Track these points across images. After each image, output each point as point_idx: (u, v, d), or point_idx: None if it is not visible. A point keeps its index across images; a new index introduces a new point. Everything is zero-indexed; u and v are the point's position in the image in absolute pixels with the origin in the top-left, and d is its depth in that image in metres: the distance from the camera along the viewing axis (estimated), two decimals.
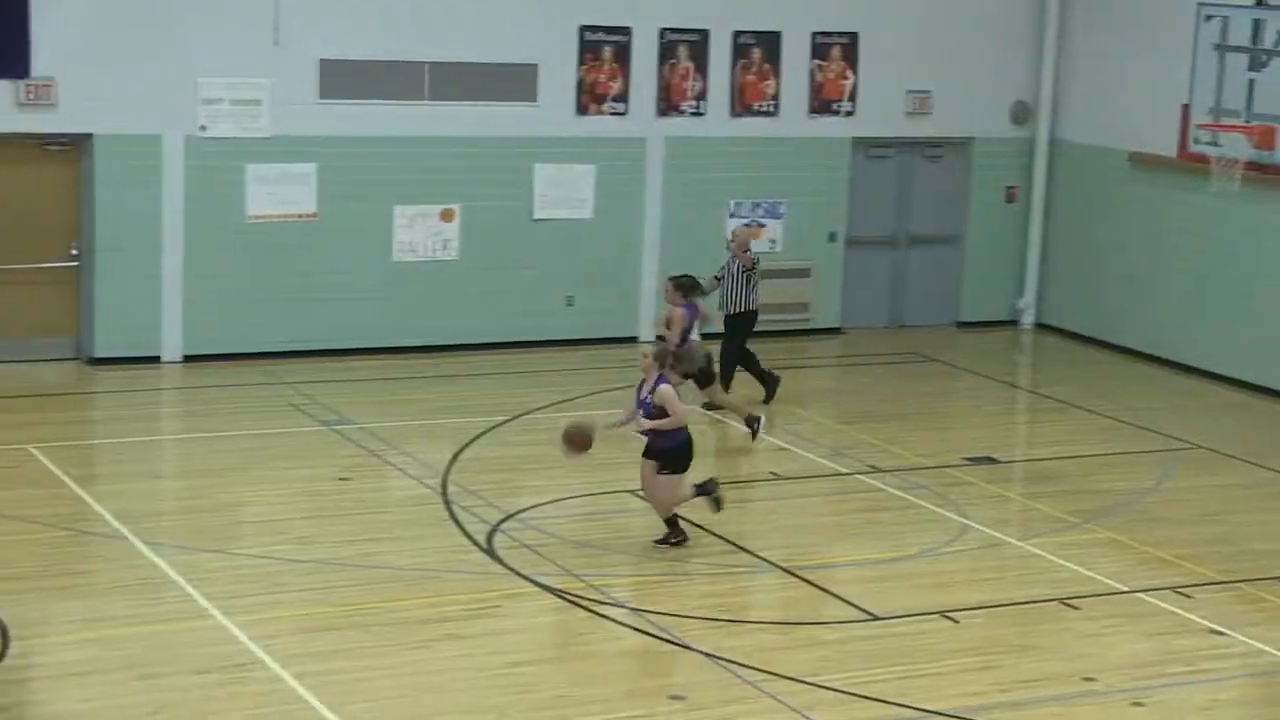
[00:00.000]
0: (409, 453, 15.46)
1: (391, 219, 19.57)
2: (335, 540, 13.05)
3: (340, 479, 14.74)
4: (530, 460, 15.70)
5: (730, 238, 18.51)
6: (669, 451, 12.92)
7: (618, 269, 20.44)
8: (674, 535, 13.12)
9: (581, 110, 20.24)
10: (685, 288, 16.70)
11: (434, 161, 19.59)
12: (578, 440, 12.92)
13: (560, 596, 12.03)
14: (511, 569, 12.53)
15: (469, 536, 13.28)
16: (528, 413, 17.11)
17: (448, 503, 14.11)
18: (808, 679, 10.78)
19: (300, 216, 19.20)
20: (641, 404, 12.98)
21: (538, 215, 20.10)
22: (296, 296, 19.13)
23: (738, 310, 17.78)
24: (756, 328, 18.10)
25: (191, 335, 18.81)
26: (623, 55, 20.29)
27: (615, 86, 20.30)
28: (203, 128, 18.63)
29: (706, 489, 13.24)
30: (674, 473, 12.96)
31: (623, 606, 11.89)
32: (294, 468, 15.09)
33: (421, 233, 19.76)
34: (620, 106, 20.35)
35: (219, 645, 10.88)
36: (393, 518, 13.87)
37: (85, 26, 17.92)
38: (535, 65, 19.91)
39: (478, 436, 16.16)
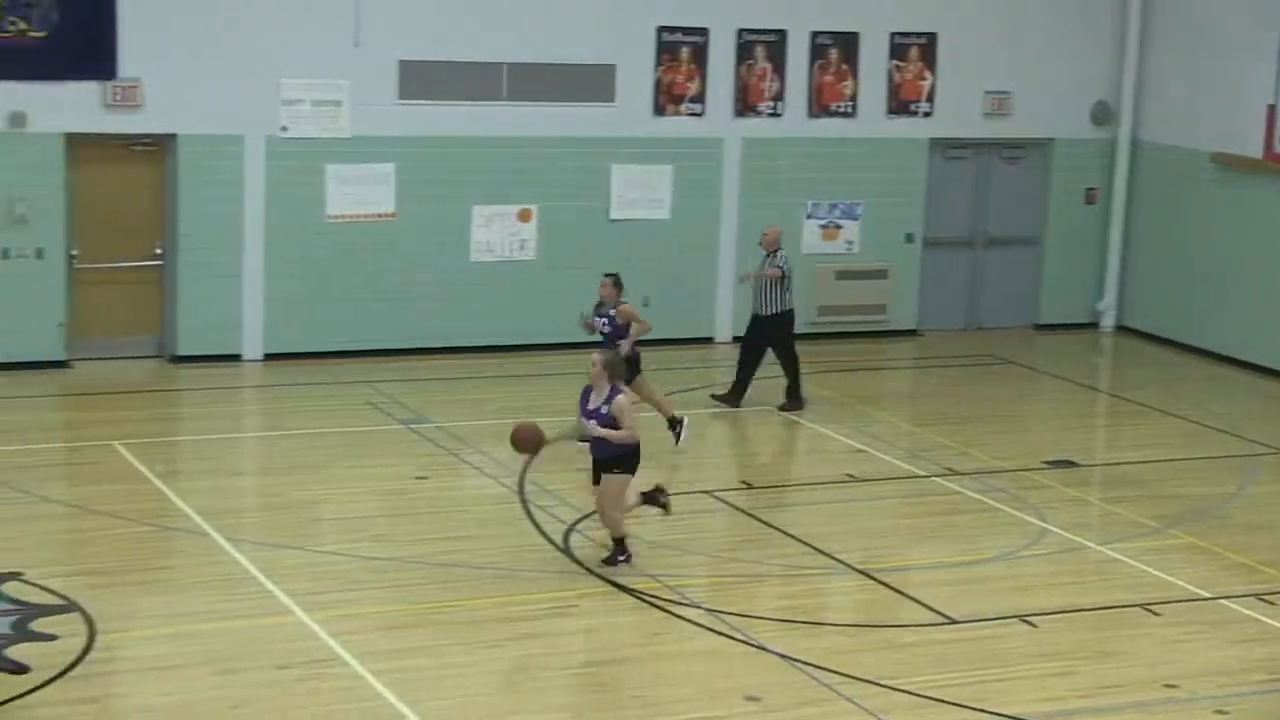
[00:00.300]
0: (485, 452, 15.52)
1: (469, 219, 19.67)
2: (413, 538, 13.13)
3: (418, 477, 14.83)
4: None
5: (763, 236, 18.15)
6: (622, 456, 12.41)
7: (694, 270, 20.45)
8: (620, 553, 12.54)
9: (659, 111, 20.26)
10: (621, 283, 16.08)
11: (512, 162, 19.67)
12: (527, 441, 12.60)
13: (636, 596, 12.05)
14: (588, 569, 12.57)
15: (545, 535, 13.33)
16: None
17: (524, 502, 14.17)
18: (883, 682, 10.75)
19: (379, 216, 19.32)
20: (593, 415, 12.42)
21: (614, 216, 20.15)
22: (375, 296, 19.26)
23: (774, 311, 17.45)
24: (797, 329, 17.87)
25: (272, 334, 18.98)
26: (700, 56, 20.29)
27: (692, 87, 20.31)
28: (284, 128, 18.79)
29: (654, 498, 12.90)
30: (623, 473, 12.43)
31: (698, 607, 11.90)
32: (372, 466, 15.19)
33: (499, 233, 19.85)
34: (697, 107, 20.36)
35: (298, 641, 10.97)
36: (470, 516, 13.94)
37: (170, 28, 18.11)
38: (613, 66, 19.95)
39: (556, 437, 16.17)
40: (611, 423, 12.32)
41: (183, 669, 10.45)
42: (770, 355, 17.57)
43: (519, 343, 19.76)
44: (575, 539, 13.23)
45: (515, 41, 19.49)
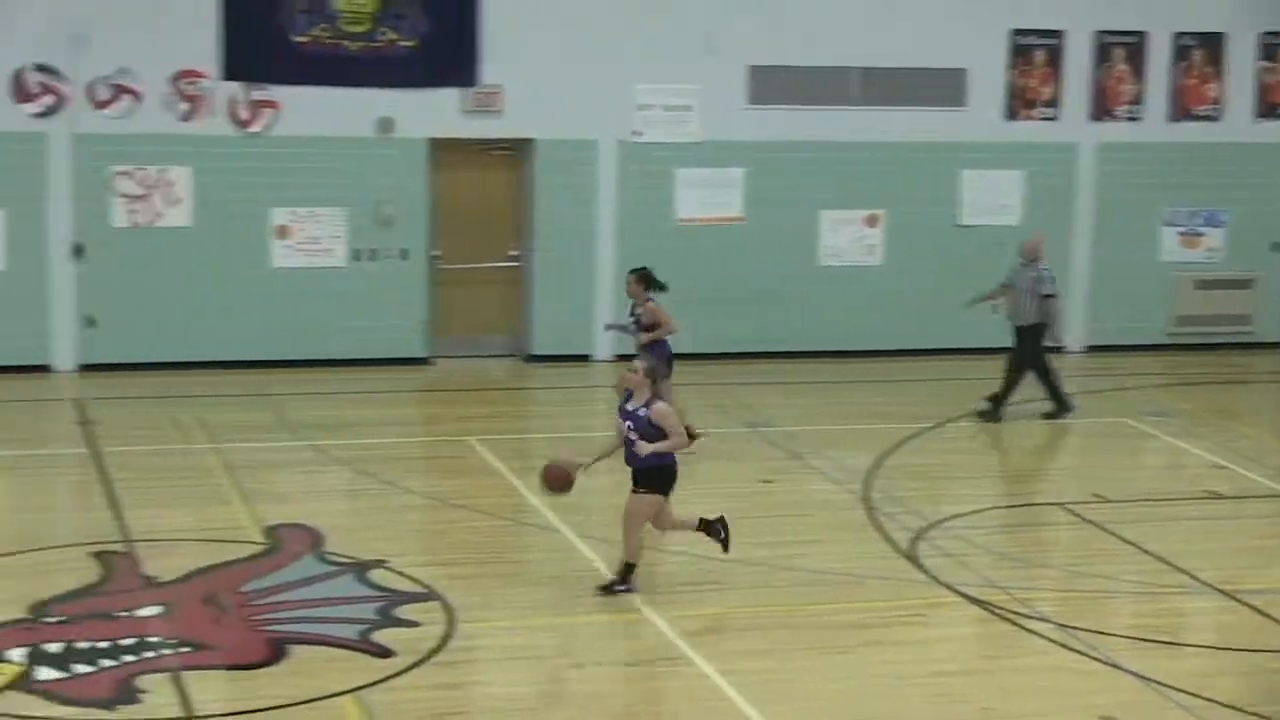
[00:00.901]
0: (831, 457, 15.53)
1: (817, 223, 19.71)
2: (758, 542, 13.19)
3: (763, 481, 14.91)
4: (954, 469, 15.59)
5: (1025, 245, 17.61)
6: (651, 471, 11.67)
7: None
8: (622, 582, 11.83)
9: (1010, 115, 19.99)
10: (648, 280, 15.48)
11: (860, 167, 19.65)
12: (557, 480, 11.91)
13: (984, 608, 11.89)
14: (934, 577, 12.45)
15: (891, 543, 13.26)
16: (950, 421, 16.98)
17: (870, 508, 14.12)
18: (1248, 709, 10.34)
19: (728, 220, 19.51)
20: (630, 416, 11.64)
21: (963, 221, 19.93)
22: (723, 299, 19.45)
23: (1030, 321, 17.00)
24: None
25: (621, 334, 19.30)
26: (1055, 59, 19.94)
27: (1046, 91, 19.96)
28: (636, 133, 19.13)
29: (714, 530, 12.14)
30: (653, 493, 11.68)
31: (1048, 621, 11.68)
32: (718, 468, 15.32)
33: (846, 237, 19.84)
34: (1051, 111, 20.02)
35: (646, 639, 11.14)
36: (815, 521, 13.95)
37: (529, 36, 18.62)
38: (964, 70, 19.76)
39: (901, 443, 16.13)
40: (658, 434, 11.57)
41: (537, 660, 10.72)
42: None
43: (865, 348, 19.71)
44: (923, 547, 13.13)
45: (866, 45, 19.46)
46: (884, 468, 15.31)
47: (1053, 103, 20.03)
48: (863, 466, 15.23)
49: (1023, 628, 11.56)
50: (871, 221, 19.86)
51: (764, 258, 19.56)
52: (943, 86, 19.79)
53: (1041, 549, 13.33)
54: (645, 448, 11.50)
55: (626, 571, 11.85)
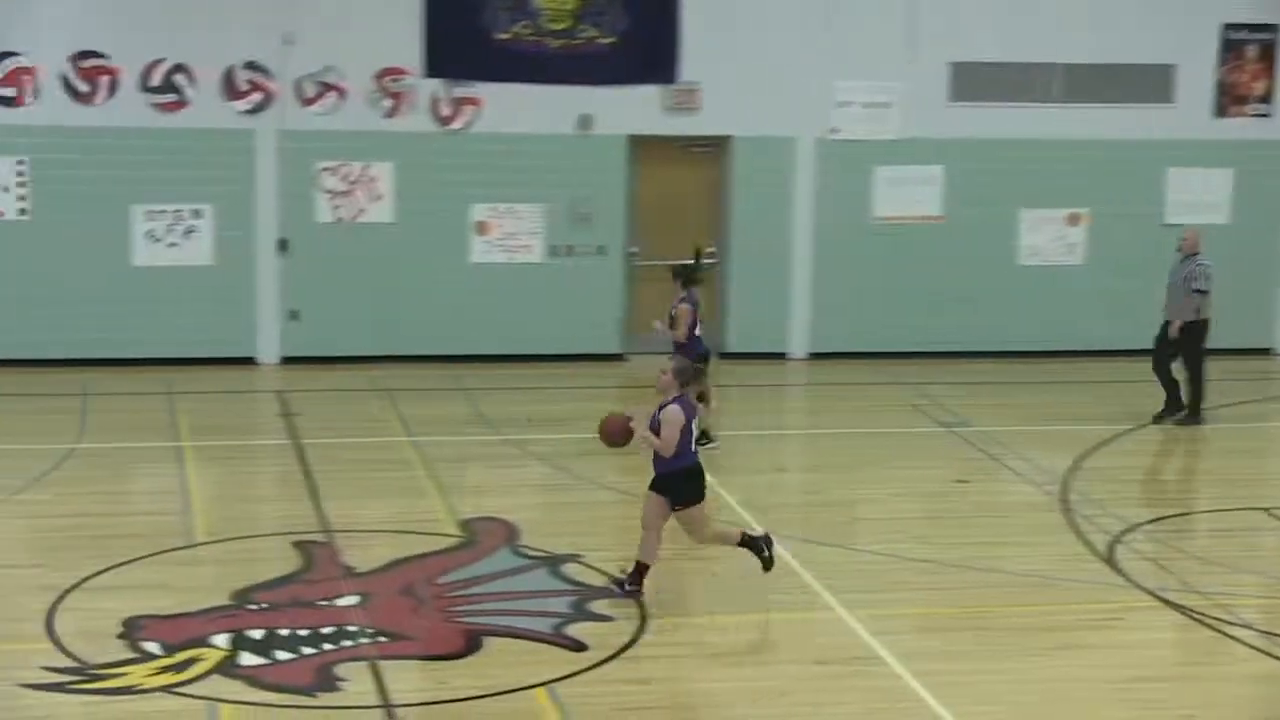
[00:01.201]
0: (1028, 458, 15.31)
1: (1016, 222, 19.45)
2: (953, 542, 13.06)
3: (958, 481, 14.76)
4: (1154, 472, 15.28)
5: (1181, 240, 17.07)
6: (664, 477, 11.25)
7: (1252, 277, 19.61)
8: (632, 582, 11.42)
9: (1220, 112, 19.53)
10: (685, 276, 15.02)
11: (1062, 165, 19.35)
12: (617, 432, 11.37)
13: (1184, 613, 11.62)
14: (1133, 581, 12.21)
15: (1089, 545, 13.03)
16: (1150, 423, 16.64)
17: (1067, 510, 13.89)
18: None
19: (926, 218, 19.34)
20: (652, 418, 11.29)
21: (1168, 220, 19.52)
22: (921, 297, 19.30)
23: (1188, 320, 16.47)
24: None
25: (818, 332, 19.28)
26: (1269, 54, 19.42)
27: (1258, 87, 19.46)
28: (834, 130, 19.04)
29: (755, 545, 11.63)
30: (675, 504, 11.25)
31: (1252, 628, 11.38)
32: (913, 467, 15.21)
33: (1046, 236, 19.55)
34: (1263, 108, 19.52)
35: (839, 637, 11.08)
36: (1011, 522, 13.76)
37: (728, 34, 18.64)
38: (1173, 66, 19.35)
39: (1100, 445, 15.85)
40: (658, 429, 11.17)
41: (728, 656, 10.72)
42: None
43: (1064, 348, 19.40)
44: (1121, 550, 12.88)
45: (1071, 41, 19.15)
46: (1082, 469, 15.06)
47: (1266, 99, 19.52)
48: (1060, 468, 15.00)
49: (1225, 634, 11.28)
50: (1073, 220, 19.54)
51: (962, 257, 19.36)
52: (1150, 83, 19.40)
53: (1245, 554, 13.00)
54: (640, 433, 11.13)
55: (636, 571, 11.43)
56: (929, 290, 19.31)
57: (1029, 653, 10.90)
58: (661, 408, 11.20)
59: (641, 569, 11.46)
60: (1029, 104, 19.25)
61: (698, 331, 15.09)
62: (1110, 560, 12.68)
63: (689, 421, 11.19)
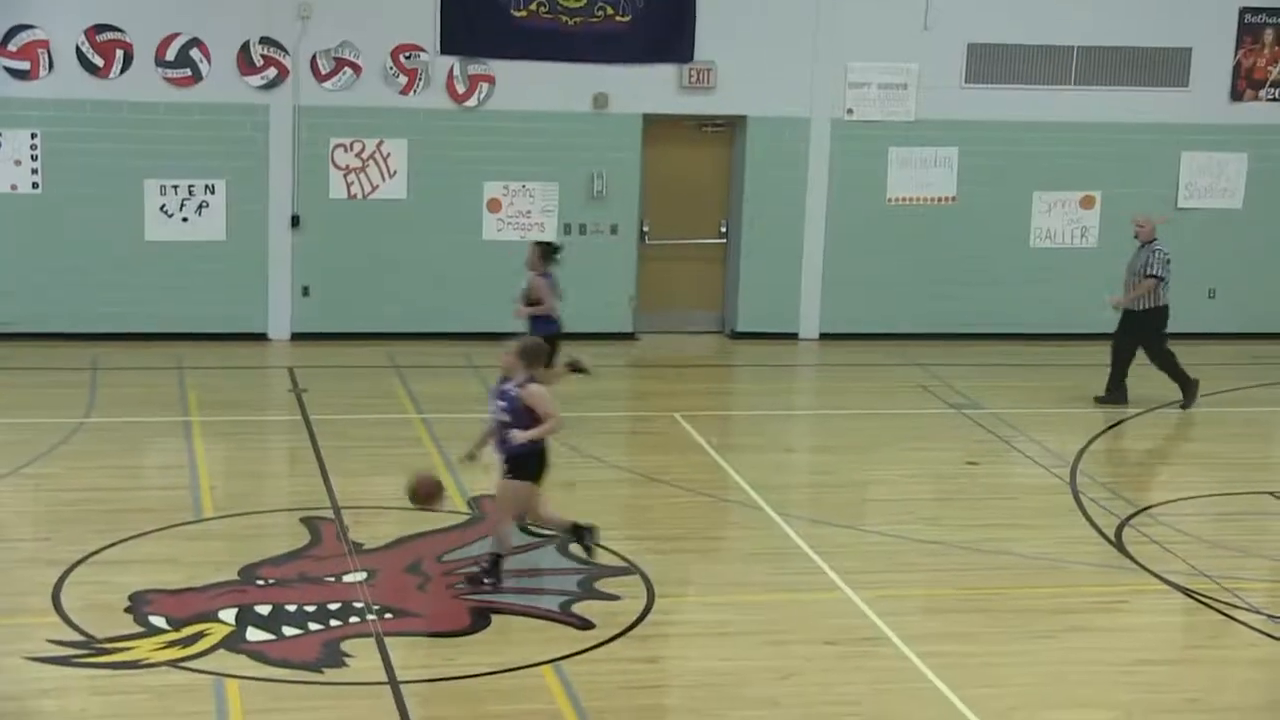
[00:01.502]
0: (1037, 440, 15.30)
1: (1030, 205, 19.41)
2: (962, 523, 13.06)
3: (967, 463, 14.75)
4: (1162, 455, 15.26)
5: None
6: (521, 457, 11.06)
7: (1266, 262, 19.56)
8: (488, 574, 11.18)
9: (1236, 96, 19.45)
10: (548, 253, 15.15)
11: (1077, 147, 19.30)
12: (424, 493, 11.27)
13: (1191, 596, 11.62)
14: (1140, 564, 12.21)
15: (1097, 528, 13.03)
16: (1159, 406, 16.62)
17: (1076, 493, 13.89)
18: None
19: (939, 200, 19.30)
20: (502, 396, 11.07)
21: (1182, 204, 19.47)
22: (932, 279, 19.28)
23: (1147, 306, 16.41)
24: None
25: (828, 313, 19.26)
26: None
27: (1274, 71, 19.39)
28: (849, 111, 19.00)
29: (583, 536, 11.44)
30: (521, 479, 11.10)
31: (1259, 613, 11.37)
32: (922, 449, 15.20)
33: (1060, 220, 19.51)
34: (1279, 92, 19.43)
35: (846, 618, 11.09)
36: (1019, 505, 13.75)
37: (743, 13, 18.59)
38: (1188, 49, 19.27)
39: (1111, 428, 15.84)
40: (528, 416, 10.99)
41: (735, 636, 10.73)
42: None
43: (1075, 331, 19.37)
44: (1129, 534, 12.88)
45: (1087, 23, 19.08)
46: (1092, 452, 15.05)
47: None
48: (1070, 451, 14.99)
49: (1232, 618, 11.28)
50: (1087, 203, 19.49)
51: (974, 239, 19.32)
52: (1166, 66, 19.33)
53: (1254, 538, 12.99)
54: (520, 436, 10.94)
55: (493, 563, 11.22)
56: (940, 272, 19.28)
57: (1036, 635, 10.90)
58: (518, 387, 10.97)
59: (499, 559, 11.22)
60: (1044, 86, 19.20)
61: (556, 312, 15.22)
62: (1118, 543, 12.68)
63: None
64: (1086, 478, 14.26)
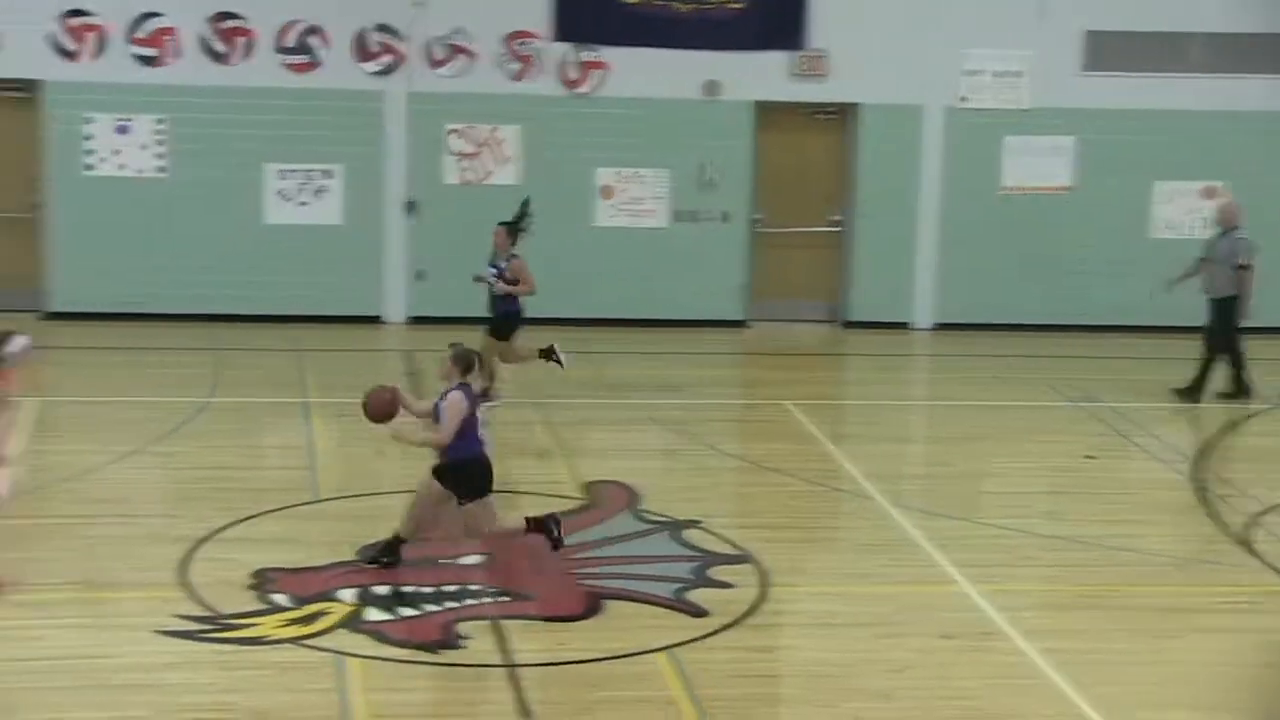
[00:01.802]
0: (1158, 435, 15.08)
1: (1149, 195, 19.14)
2: (1080, 518, 12.88)
3: (1086, 457, 14.55)
4: None
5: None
6: (444, 469, 10.81)
7: None
8: (385, 552, 10.98)
9: None
10: (514, 232, 15.06)
11: (1199, 137, 19.01)
12: (378, 407, 10.93)
13: None
14: (1269, 565, 11.98)
15: (1222, 526, 12.80)
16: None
17: (1199, 489, 13.66)
18: None
19: (1055, 189, 19.08)
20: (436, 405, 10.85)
21: None
22: (1048, 270, 19.06)
23: (1225, 295, 16.11)
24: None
25: (942, 303, 19.10)
26: None
27: None
28: (964, 99, 18.83)
29: (546, 526, 11.15)
30: (464, 497, 10.82)
31: None
32: (1040, 441, 15.03)
33: (1180, 210, 19.22)
34: None
35: (962, 612, 10.96)
36: (1140, 500, 13.57)
37: (856, 0, 18.46)
38: None
39: (1235, 423, 15.60)
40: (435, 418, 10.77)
41: (848, 628, 10.65)
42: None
43: (1197, 324, 19.03)
44: (1256, 533, 12.64)
45: (1210, 9, 18.77)
46: (1216, 448, 14.80)
47: None
48: (1192, 446, 14.76)
49: None
50: (1209, 194, 19.18)
51: (1092, 229, 19.09)
52: None
53: None
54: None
55: (391, 543, 11.02)
56: (1056, 263, 19.06)
57: (1157, 634, 10.72)
58: (444, 395, 10.76)
59: (397, 541, 11.03)
60: (1165, 74, 18.91)
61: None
62: (1245, 542, 12.45)
63: (472, 409, 10.77)
64: (1209, 473, 14.02)
